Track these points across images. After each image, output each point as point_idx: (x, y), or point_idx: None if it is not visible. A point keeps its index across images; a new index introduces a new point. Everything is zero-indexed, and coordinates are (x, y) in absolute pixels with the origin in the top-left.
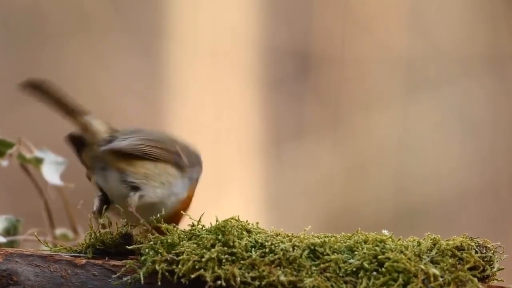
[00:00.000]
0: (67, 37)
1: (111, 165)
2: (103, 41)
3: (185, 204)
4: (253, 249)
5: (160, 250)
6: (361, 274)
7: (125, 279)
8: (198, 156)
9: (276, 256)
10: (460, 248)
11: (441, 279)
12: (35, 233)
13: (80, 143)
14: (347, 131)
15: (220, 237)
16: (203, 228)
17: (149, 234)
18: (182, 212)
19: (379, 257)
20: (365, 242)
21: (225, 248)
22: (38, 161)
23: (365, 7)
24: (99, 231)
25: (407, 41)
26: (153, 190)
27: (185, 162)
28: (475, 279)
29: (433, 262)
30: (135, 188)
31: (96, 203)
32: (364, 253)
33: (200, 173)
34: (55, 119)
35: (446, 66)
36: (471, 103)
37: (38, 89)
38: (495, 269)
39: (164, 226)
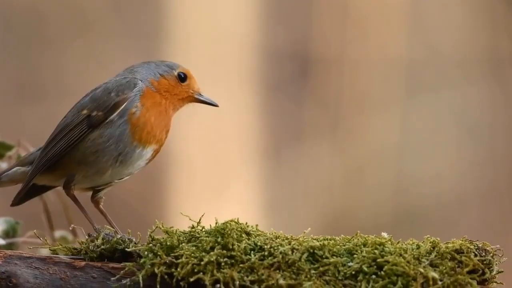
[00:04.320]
0: (67, 40)
1: None
2: (103, 44)
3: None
4: (252, 252)
5: (159, 253)
6: (360, 277)
7: (124, 281)
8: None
9: (275, 259)
10: (459, 251)
11: (440, 283)
12: (35, 231)
13: None
14: (347, 134)
15: (219, 239)
16: (203, 230)
17: (148, 237)
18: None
19: (378, 260)
20: (364, 245)
21: (224, 251)
22: None
23: (364, 10)
24: (96, 245)
25: (406, 44)
26: None
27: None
28: (474, 282)
29: (432, 265)
30: None
31: None
32: (363, 256)
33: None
34: (55, 121)
35: (445, 69)
36: (470, 106)
37: None
38: (494, 272)
39: (163, 228)
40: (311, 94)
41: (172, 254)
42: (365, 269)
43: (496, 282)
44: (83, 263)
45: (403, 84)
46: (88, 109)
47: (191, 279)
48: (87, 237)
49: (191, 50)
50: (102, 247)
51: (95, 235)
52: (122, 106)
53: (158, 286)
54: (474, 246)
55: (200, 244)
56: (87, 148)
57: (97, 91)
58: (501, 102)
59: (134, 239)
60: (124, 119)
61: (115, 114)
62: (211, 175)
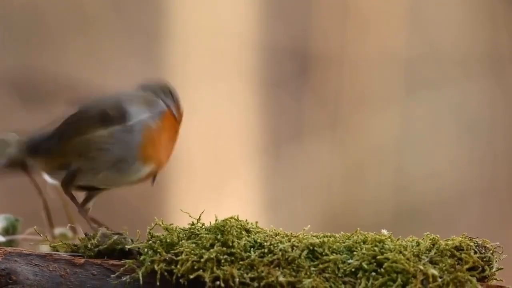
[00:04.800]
0: (67, 38)
1: None
2: (103, 43)
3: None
4: (252, 249)
5: (159, 250)
6: (360, 274)
7: (124, 278)
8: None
9: (275, 257)
10: (459, 248)
11: (440, 280)
12: (35, 228)
13: None
14: (347, 131)
15: (219, 236)
16: (203, 227)
17: (148, 235)
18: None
19: (378, 257)
20: (364, 242)
21: (224, 248)
22: None
23: (364, 7)
24: (94, 242)
25: (406, 41)
26: None
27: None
28: (474, 280)
29: (432, 262)
30: None
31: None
32: (363, 254)
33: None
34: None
35: (445, 67)
36: (470, 104)
37: None
38: (494, 269)
39: (163, 225)
40: (311, 91)
41: (172, 251)
42: (365, 266)
43: (496, 279)
44: (83, 260)
45: (402, 81)
46: (107, 107)
47: (191, 276)
48: (84, 236)
49: (191, 48)
50: (100, 247)
51: (91, 235)
52: (140, 117)
53: (158, 283)
54: (474, 243)
55: (200, 241)
56: (93, 143)
57: (120, 96)
58: (501, 100)
59: (131, 239)
60: (137, 129)
61: (131, 123)
62: (211, 173)
